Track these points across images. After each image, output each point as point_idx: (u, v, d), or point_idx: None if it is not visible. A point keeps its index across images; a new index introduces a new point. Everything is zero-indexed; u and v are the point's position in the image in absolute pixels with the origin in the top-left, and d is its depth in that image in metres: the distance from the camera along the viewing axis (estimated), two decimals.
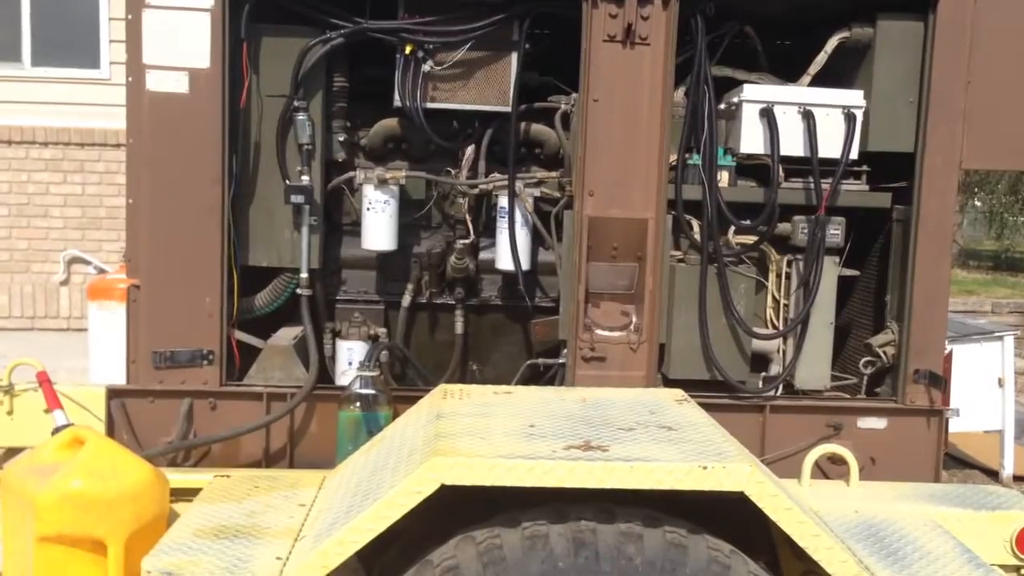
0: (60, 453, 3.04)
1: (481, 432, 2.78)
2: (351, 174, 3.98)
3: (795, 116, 3.75)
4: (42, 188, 9.05)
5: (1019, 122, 3.76)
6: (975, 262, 20.09)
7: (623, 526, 2.50)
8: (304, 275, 3.81)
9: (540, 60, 3.97)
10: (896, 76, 3.77)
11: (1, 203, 9.02)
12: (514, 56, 3.80)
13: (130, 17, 3.55)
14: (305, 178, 3.75)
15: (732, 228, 3.85)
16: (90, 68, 9.10)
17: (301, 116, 3.73)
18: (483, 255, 4.13)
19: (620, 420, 2.97)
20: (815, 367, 3.92)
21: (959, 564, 2.86)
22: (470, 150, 4.02)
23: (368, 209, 3.90)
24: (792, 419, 3.81)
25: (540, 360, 4.02)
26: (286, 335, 3.93)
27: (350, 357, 3.99)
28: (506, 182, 3.88)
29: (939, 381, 3.79)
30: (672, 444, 2.73)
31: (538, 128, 4.00)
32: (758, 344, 3.92)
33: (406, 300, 4.13)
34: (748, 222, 3.82)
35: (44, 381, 3.63)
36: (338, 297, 4.16)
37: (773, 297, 3.99)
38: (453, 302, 4.15)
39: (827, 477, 3.64)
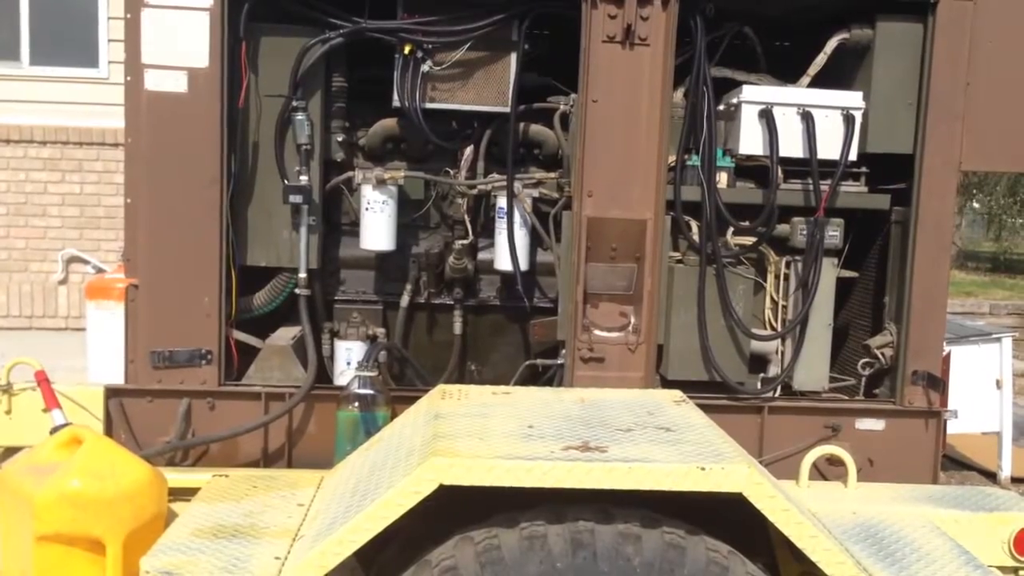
0: (58, 452, 3.04)
1: (479, 433, 2.78)
2: (350, 174, 3.98)
3: (794, 117, 3.75)
4: (40, 187, 9.04)
5: (1018, 124, 3.76)
6: (973, 264, 20.14)
7: (621, 527, 2.50)
8: (302, 275, 3.81)
9: (539, 60, 3.97)
10: (895, 77, 3.77)
11: None
12: (513, 56, 3.80)
13: (129, 16, 3.55)
14: (304, 178, 3.75)
15: (731, 229, 3.85)
16: (89, 67, 9.09)
17: (300, 116, 3.73)
18: (482, 255, 4.13)
19: (618, 421, 2.97)
20: (813, 368, 3.92)
21: (957, 565, 2.86)
22: (469, 150, 4.02)
23: (367, 209, 3.90)
24: (790, 420, 3.81)
25: (539, 361, 4.02)
26: (284, 335, 3.93)
27: (348, 357, 3.99)
28: (505, 182, 3.88)
29: (937, 383, 3.79)
30: (670, 445, 2.74)
31: (537, 129, 4.00)
32: (756, 345, 3.92)
33: (404, 300, 4.13)
34: (747, 223, 3.82)
35: (42, 380, 3.63)
36: (336, 297, 4.16)
37: (772, 298, 3.99)
38: (452, 302, 4.15)
39: (825, 478, 3.65)
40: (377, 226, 3.90)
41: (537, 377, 4.02)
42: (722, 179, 3.80)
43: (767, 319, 4.01)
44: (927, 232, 3.76)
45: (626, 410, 3.11)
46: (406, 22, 3.72)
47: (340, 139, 3.97)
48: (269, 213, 3.80)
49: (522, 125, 3.96)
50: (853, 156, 3.76)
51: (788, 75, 4.00)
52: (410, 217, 4.10)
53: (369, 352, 3.74)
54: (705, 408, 3.28)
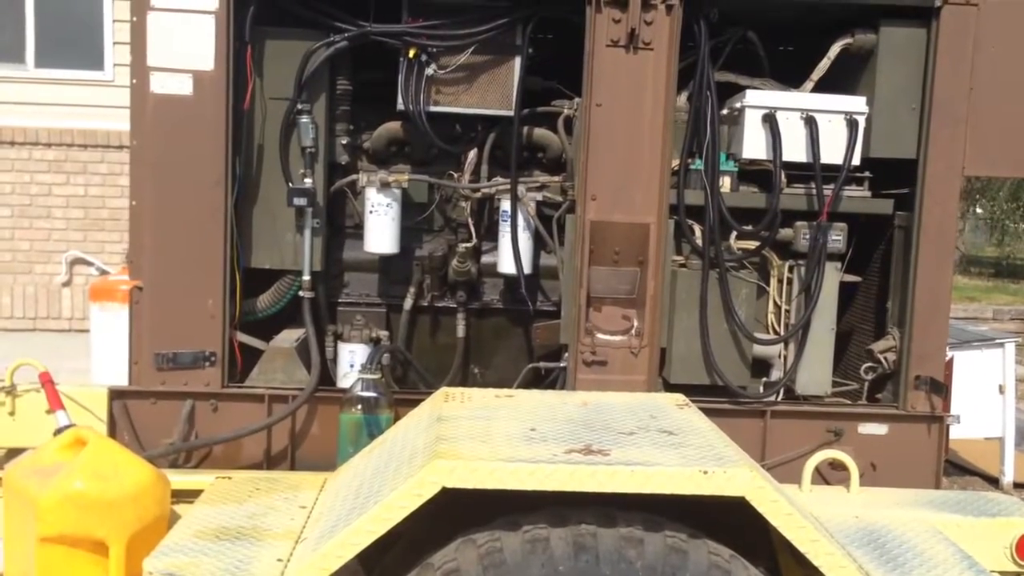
0: (62, 454, 3.05)
1: (482, 435, 2.79)
2: (354, 177, 3.99)
3: (797, 122, 3.75)
4: (45, 189, 9.07)
5: (1021, 129, 3.76)
6: (976, 269, 20.11)
7: (624, 530, 2.51)
8: (306, 277, 3.82)
9: (543, 64, 3.98)
10: (898, 83, 3.77)
11: (4, 204, 9.04)
12: (517, 60, 3.81)
13: (135, 19, 3.57)
14: (308, 181, 3.76)
15: (734, 233, 3.85)
16: (93, 70, 9.13)
17: (304, 119, 3.74)
18: (485, 259, 4.13)
19: (621, 424, 2.98)
20: (816, 372, 3.92)
21: (959, 570, 2.86)
22: (473, 154, 4.03)
23: (371, 212, 3.91)
24: (793, 424, 3.81)
25: (541, 364, 4.02)
26: (288, 337, 3.94)
27: (352, 359, 4.00)
28: (508, 186, 3.89)
29: (940, 387, 3.79)
30: (673, 448, 2.74)
31: (541, 132, 4.01)
32: (759, 349, 3.92)
33: (408, 303, 4.14)
34: (750, 227, 3.82)
35: (47, 382, 3.64)
36: (340, 300, 4.17)
37: (774, 302, 3.99)
38: (455, 305, 4.16)
39: (827, 483, 3.65)
40: (381, 229, 3.91)
41: (540, 380, 4.03)
42: (725, 183, 3.81)
43: (770, 323, 4.01)
44: (930, 237, 3.76)
45: (629, 413, 3.11)
46: (411, 26, 3.73)
47: (344, 142, 3.98)
48: (273, 216, 3.81)
49: (526, 129, 3.97)
50: (856, 161, 3.76)
51: (792, 80, 4.00)
52: (414, 220, 4.11)
53: (372, 355, 3.74)
54: (708, 412, 3.29)
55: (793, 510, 2.57)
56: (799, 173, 3.83)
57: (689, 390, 3.61)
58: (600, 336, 3.70)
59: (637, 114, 3.61)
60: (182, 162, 3.59)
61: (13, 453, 3.71)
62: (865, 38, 3.81)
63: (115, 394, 3.66)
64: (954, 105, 3.70)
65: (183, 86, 3.56)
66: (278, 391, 3.72)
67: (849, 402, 4.04)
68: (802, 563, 2.65)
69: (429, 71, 3.77)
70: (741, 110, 3.78)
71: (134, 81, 3.60)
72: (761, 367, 4.01)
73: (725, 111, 3.89)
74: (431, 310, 4.20)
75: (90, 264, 9.03)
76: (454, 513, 2.60)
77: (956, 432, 5.45)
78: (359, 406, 3.56)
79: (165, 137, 3.58)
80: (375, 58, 3.92)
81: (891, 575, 2.81)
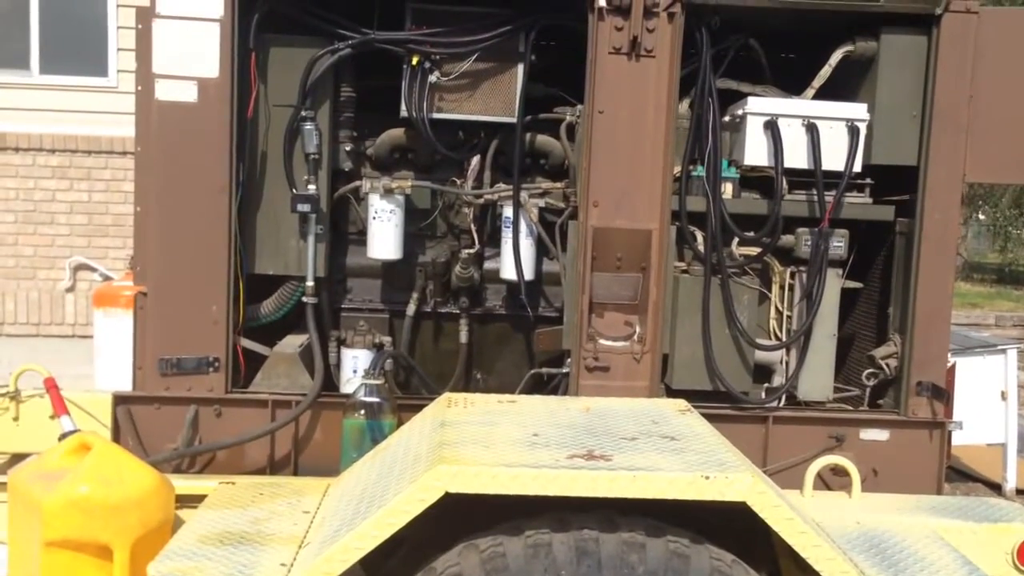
0: (67, 459, 3.06)
1: (485, 441, 2.80)
2: (357, 183, 4.00)
3: (799, 129, 3.77)
4: (49, 195, 9.09)
5: (1022, 136, 3.77)
6: (979, 275, 20.10)
7: (626, 535, 2.51)
8: (310, 283, 3.83)
9: (546, 72, 4.00)
10: (900, 90, 3.78)
11: (8, 209, 9.06)
12: (520, 67, 3.82)
13: (140, 27, 3.59)
14: (312, 187, 3.77)
15: (736, 239, 3.86)
16: (98, 76, 9.15)
17: (308, 125, 3.76)
18: (488, 265, 4.15)
19: (623, 430, 2.98)
20: (818, 378, 3.93)
21: None
22: (475, 160, 4.04)
23: (374, 218, 3.92)
24: (794, 430, 3.81)
25: (544, 369, 4.03)
26: (292, 343, 3.95)
27: (355, 365, 4.01)
28: (511, 192, 3.90)
29: (942, 394, 3.79)
30: (675, 454, 2.75)
31: (543, 139, 4.02)
32: (761, 355, 3.93)
33: (411, 309, 4.15)
34: (752, 234, 3.84)
35: (51, 387, 3.66)
36: (343, 305, 4.18)
37: (776, 308, 4.00)
38: (458, 311, 4.17)
39: (829, 488, 3.65)
40: (384, 235, 3.92)
41: (542, 386, 4.03)
42: (727, 190, 3.82)
43: (772, 329, 4.02)
44: (931, 243, 3.76)
45: (631, 419, 3.12)
46: (414, 33, 3.75)
47: (348, 149, 3.99)
48: (277, 222, 3.82)
49: (528, 135, 3.98)
50: (857, 167, 3.77)
51: (793, 87, 4.01)
52: (417, 226, 4.12)
53: (375, 360, 3.76)
54: (710, 417, 3.30)
55: (795, 515, 2.58)
56: (801, 180, 3.84)
57: (691, 396, 3.61)
58: (602, 342, 3.71)
59: (639, 121, 3.63)
60: (186, 168, 3.60)
61: (18, 458, 3.73)
62: (866, 45, 3.82)
63: (119, 399, 3.67)
64: (955, 112, 3.71)
65: (188, 93, 3.58)
66: (281, 396, 3.73)
67: (851, 408, 4.04)
68: (804, 568, 2.65)
69: (432, 78, 3.79)
70: (743, 117, 3.80)
71: (139, 88, 3.63)
72: (763, 373, 4.01)
73: (727, 118, 3.90)
74: (434, 316, 4.21)
75: (94, 270, 9.05)
76: (457, 518, 2.60)
77: (959, 438, 5.47)
78: (362, 411, 3.57)
79: (170, 144, 3.60)
80: (379, 65, 3.93)
81: None
